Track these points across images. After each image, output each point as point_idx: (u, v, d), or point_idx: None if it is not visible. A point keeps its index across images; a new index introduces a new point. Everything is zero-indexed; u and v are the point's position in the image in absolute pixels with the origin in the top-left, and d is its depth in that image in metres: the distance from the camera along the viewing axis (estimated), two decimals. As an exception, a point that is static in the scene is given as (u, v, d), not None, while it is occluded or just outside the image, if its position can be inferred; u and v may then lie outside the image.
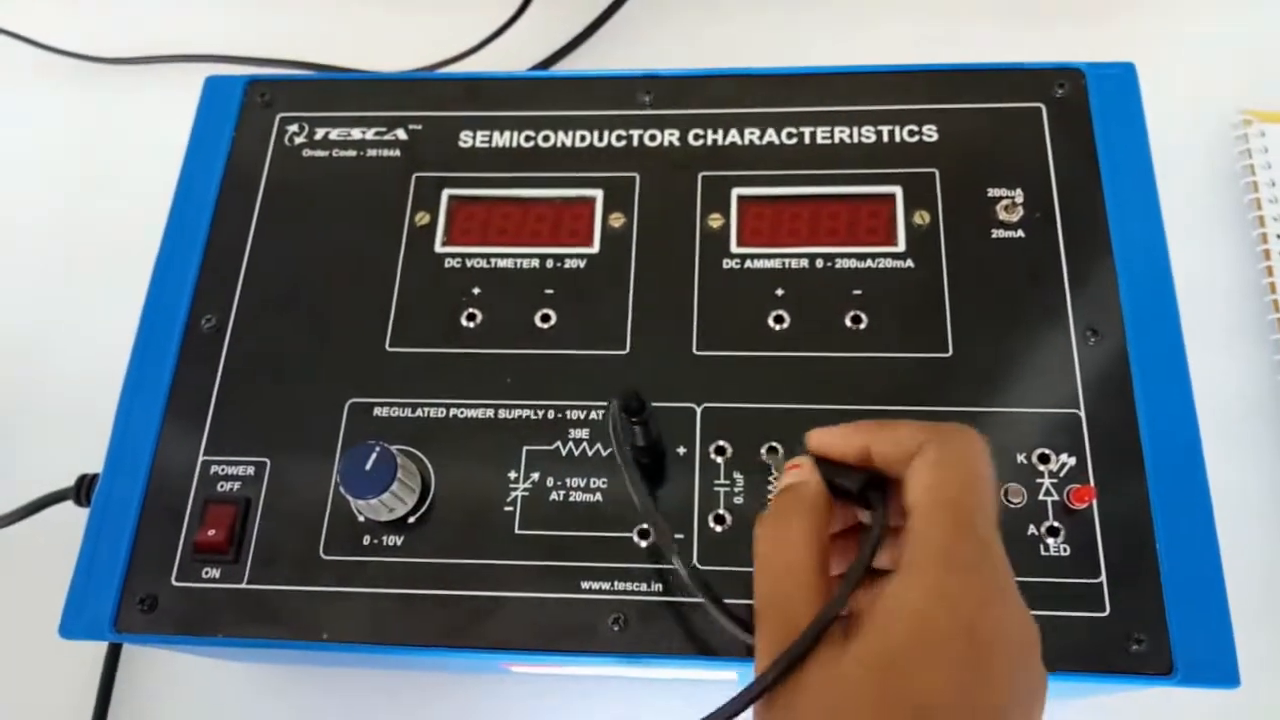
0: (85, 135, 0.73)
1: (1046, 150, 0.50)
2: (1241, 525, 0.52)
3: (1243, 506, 0.54)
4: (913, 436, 0.33)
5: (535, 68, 0.71)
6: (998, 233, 0.49)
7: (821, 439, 0.36)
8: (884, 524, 0.33)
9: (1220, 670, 0.40)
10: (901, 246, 0.49)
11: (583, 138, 0.53)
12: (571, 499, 0.45)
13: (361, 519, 0.45)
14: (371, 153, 0.53)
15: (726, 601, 0.39)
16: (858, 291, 0.48)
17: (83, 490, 0.51)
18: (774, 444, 0.45)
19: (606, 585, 0.43)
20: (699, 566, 0.43)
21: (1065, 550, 0.42)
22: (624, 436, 0.41)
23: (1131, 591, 0.41)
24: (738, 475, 0.45)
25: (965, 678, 0.29)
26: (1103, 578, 0.42)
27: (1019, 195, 0.49)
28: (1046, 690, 0.31)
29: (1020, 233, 0.48)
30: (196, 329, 0.50)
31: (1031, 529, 0.43)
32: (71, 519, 0.48)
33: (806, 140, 0.51)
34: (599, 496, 0.45)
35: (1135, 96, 0.51)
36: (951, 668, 0.29)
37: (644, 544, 0.44)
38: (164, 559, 0.45)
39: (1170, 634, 0.40)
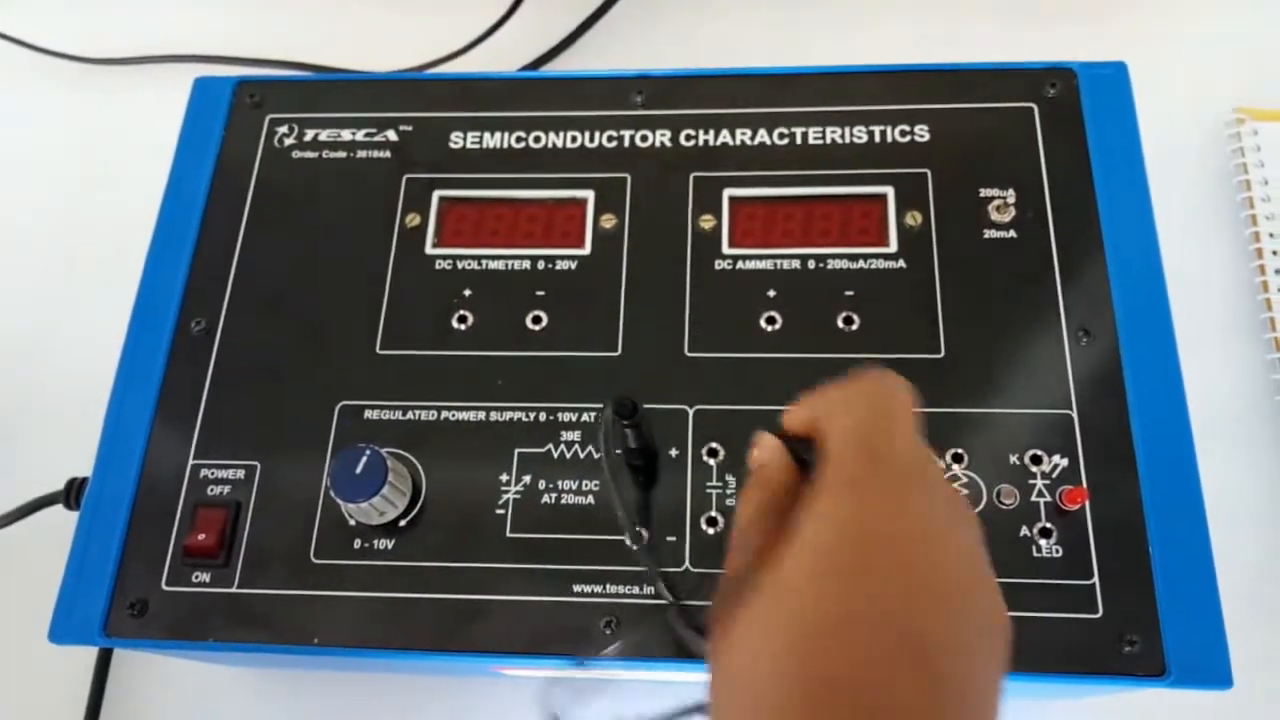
0: (77, 136, 0.73)
1: (1039, 150, 0.50)
2: (1234, 526, 0.52)
3: (1235, 507, 0.54)
4: (835, 393, 0.34)
5: (526, 68, 0.71)
6: (990, 233, 0.48)
7: (784, 418, 0.36)
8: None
9: (1213, 671, 0.40)
10: (893, 247, 0.48)
11: (574, 138, 0.53)
12: (563, 501, 0.45)
13: (352, 522, 0.45)
14: (361, 154, 0.53)
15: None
16: (850, 292, 0.48)
17: (72, 494, 0.50)
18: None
19: (598, 588, 0.43)
20: (692, 569, 0.43)
21: (1058, 551, 0.42)
22: (612, 444, 0.41)
23: (1124, 593, 0.41)
24: (730, 477, 0.45)
25: (865, 605, 0.28)
26: (1095, 579, 0.42)
27: (1011, 195, 0.49)
28: (1004, 631, 0.29)
29: (1012, 233, 0.48)
30: (186, 331, 0.49)
31: (1024, 530, 0.43)
32: (64, 522, 0.48)
33: (798, 141, 0.51)
34: (591, 499, 0.45)
35: (1127, 96, 0.51)
36: (844, 593, 0.28)
37: (636, 547, 0.44)
38: (154, 563, 0.45)
39: (1163, 635, 0.40)
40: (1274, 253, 0.59)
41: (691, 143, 0.52)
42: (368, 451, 0.42)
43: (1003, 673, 0.29)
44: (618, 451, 0.44)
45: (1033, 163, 0.50)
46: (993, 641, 0.29)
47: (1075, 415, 0.44)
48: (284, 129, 0.54)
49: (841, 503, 0.30)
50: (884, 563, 0.28)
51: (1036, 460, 0.44)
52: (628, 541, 0.42)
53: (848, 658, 0.27)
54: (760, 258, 0.49)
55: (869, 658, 0.27)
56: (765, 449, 0.36)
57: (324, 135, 0.54)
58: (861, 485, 0.30)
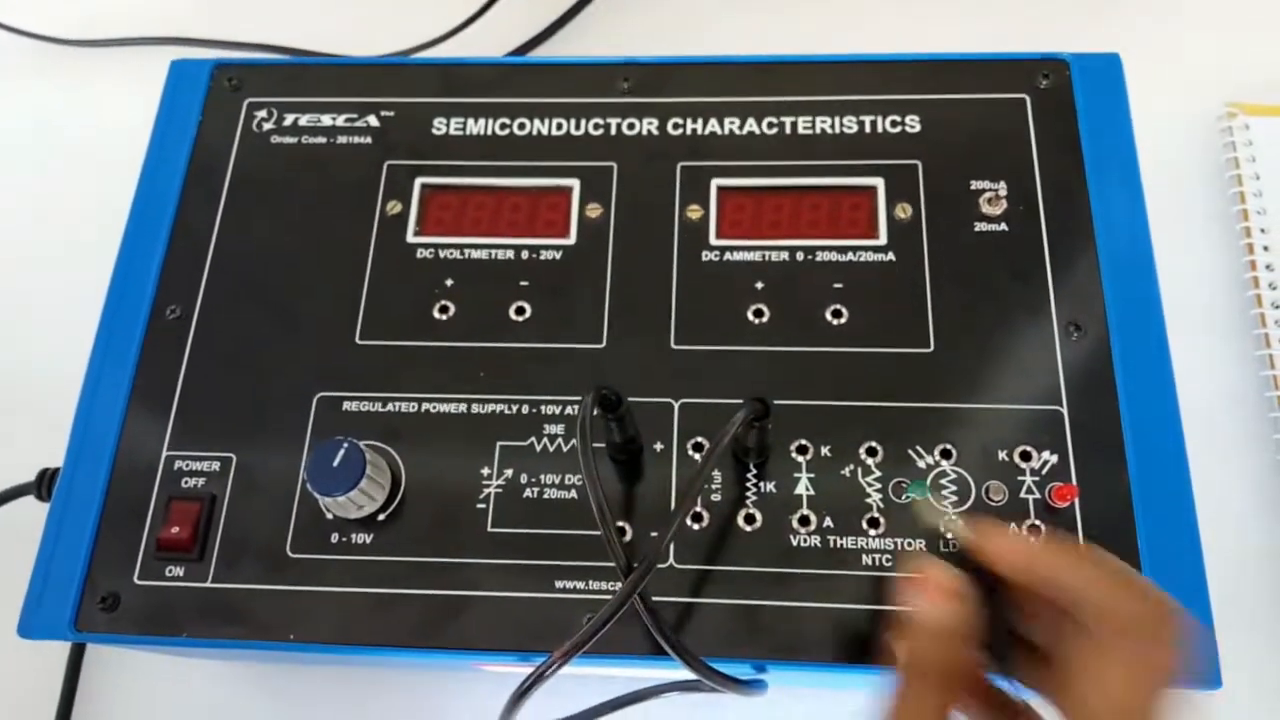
0: (50, 119, 0.72)
1: (1030, 142, 0.49)
2: (1224, 524, 0.51)
3: (1226, 504, 0.53)
4: (1124, 604, 0.26)
5: (511, 54, 0.70)
6: (980, 226, 0.48)
7: (999, 546, 0.28)
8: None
9: (1202, 672, 0.39)
10: (883, 239, 0.48)
11: (559, 126, 0.52)
12: (546, 496, 0.44)
13: (330, 516, 0.44)
14: (342, 139, 0.52)
15: (704, 599, 0.38)
16: (838, 285, 0.47)
17: (44, 485, 0.49)
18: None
19: (581, 584, 0.42)
20: (677, 566, 0.42)
21: (1046, 549, 0.42)
22: (590, 435, 0.39)
23: (1113, 591, 0.41)
24: (716, 472, 0.44)
25: None
26: (1084, 577, 0.41)
27: (1002, 188, 0.48)
28: None
29: (1003, 226, 0.48)
30: (161, 320, 0.48)
31: (1013, 528, 0.42)
32: (37, 514, 0.47)
33: (788, 130, 0.51)
34: (574, 493, 0.44)
35: (1120, 88, 0.50)
36: None
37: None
38: (126, 557, 0.44)
39: (1151, 635, 0.40)
40: (1265, 248, 0.59)
41: (679, 131, 0.51)
42: (345, 444, 0.41)
43: None
44: (600, 445, 0.43)
45: (1024, 155, 0.49)
46: None
47: (1065, 411, 0.44)
48: (262, 113, 0.53)
49: None
50: None
51: (1026, 457, 0.43)
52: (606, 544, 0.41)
53: None
54: (748, 249, 0.48)
55: None
56: (954, 600, 0.27)
57: (303, 120, 0.53)
58: None
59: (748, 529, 0.43)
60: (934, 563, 0.29)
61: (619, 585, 0.37)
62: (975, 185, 0.49)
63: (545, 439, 0.45)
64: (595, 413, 0.40)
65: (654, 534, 0.43)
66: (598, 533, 0.42)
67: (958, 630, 0.27)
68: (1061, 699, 0.26)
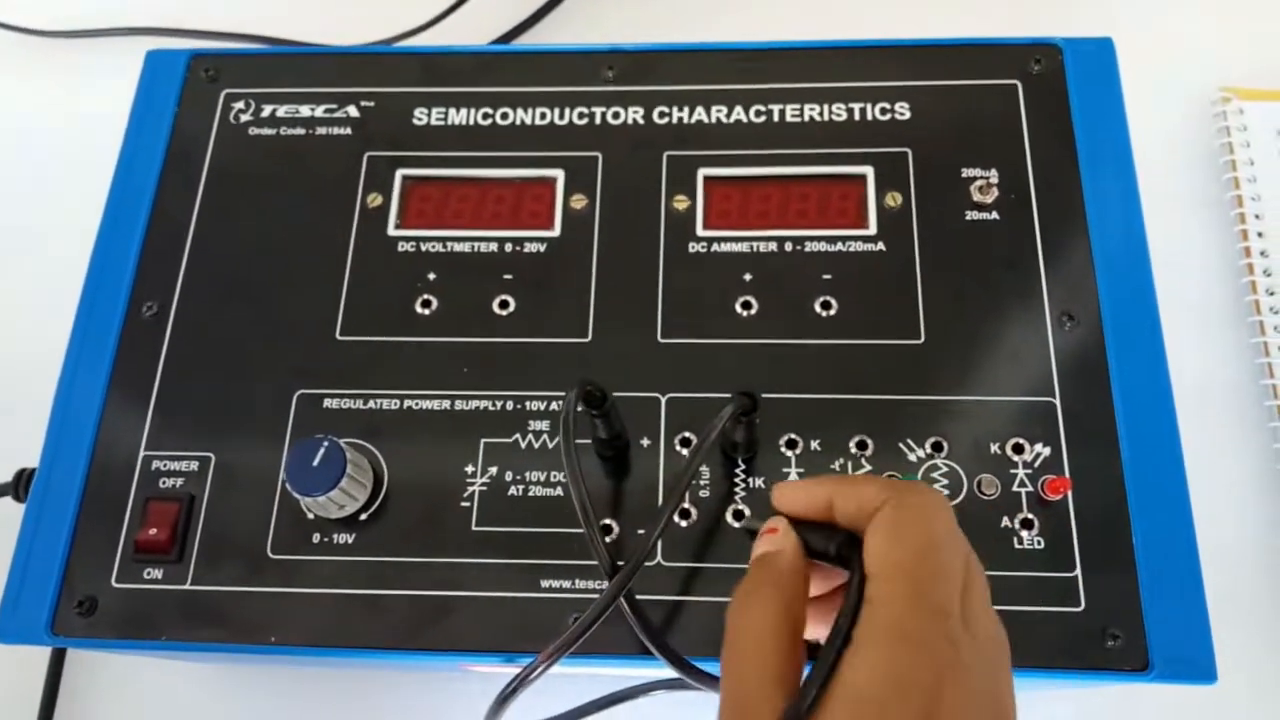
0: (23, 111, 0.70)
1: (1022, 128, 0.48)
2: (1219, 515, 0.51)
3: (1220, 496, 0.53)
4: (874, 495, 0.31)
5: (494, 43, 0.69)
6: (972, 215, 0.47)
7: (786, 495, 0.34)
8: (860, 590, 0.30)
9: (1197, 666, 0.39)
10: (873, 229, 0.47)
11: (543, 115, 0.51)
12: (531, 493, 0.43)
13: (311, 516, 0.43)
14: (321, 131, 0.51)
15: (693, 597, 0.37)
16: (827, 276, 0.46)
17: (21, 485, 0.48)
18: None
19: (567, 583, 0.42)
20: (665, 564, 0.42)
21: (1039, 544, 0.41)
22: (573, 430, 0.38)
23: (1107, 586, 0.40)
24: (703, 468, 0.43)
25: None
26: (1078, 571, 0.40)
27: (994, 175, 0.48)
28: None
29: (995, 214, 0.47)
30: (137, 316, 0.47)
31: (1005, 522, 0.41)
32: (14, 514, 0.46)
33: (775, 118, 0.50)
34: (559, 491, 0.43)
35: (1113, 72, 0.49)
36: None
37: (607, 539, 0.42)
38: (103, 559, 0.43)
39: (1146, 629, 0.39)
40: (1259, 234, 0.58)
41: (665, 120, 0.50)
42: (325, 442, 0.41)
43: None
44: (587, 441, 0.43)
45: (1016, 141, 0.48)
46: None
47: (1058, 403, 0.43)
48: (240, 104, 0.52)
49: (896, 658, 0.27)
50: None
51: (1018, 449, 0.43)
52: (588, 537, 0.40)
53: None
54: (736, 240, 0.47)
55: None
56: (780, 537, 0.33)
57: (282, 111, 0.52)
58: (921, 645, 0.28)
59: (737, 526, 0.42)
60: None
61: (605, 584, 0.36)
62: (966, 173, 0.48)
63: (530, 435, 0.44)
64: (580, 409, 0.39)
65: (640, 531, 0.42)
66: (584, 531, 0.41)
67: (792, 555, 0.32)
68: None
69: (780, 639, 0.30)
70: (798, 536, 0.33)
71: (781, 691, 0.28)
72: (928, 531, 0.30)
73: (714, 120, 0.50)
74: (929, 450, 0.43)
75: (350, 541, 0.43)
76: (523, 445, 0.44)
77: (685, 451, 0.43)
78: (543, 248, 0.48)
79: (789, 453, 0.43)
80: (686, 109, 0.50)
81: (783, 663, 0.29)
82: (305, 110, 0.51)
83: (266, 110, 0.52)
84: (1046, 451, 0.42)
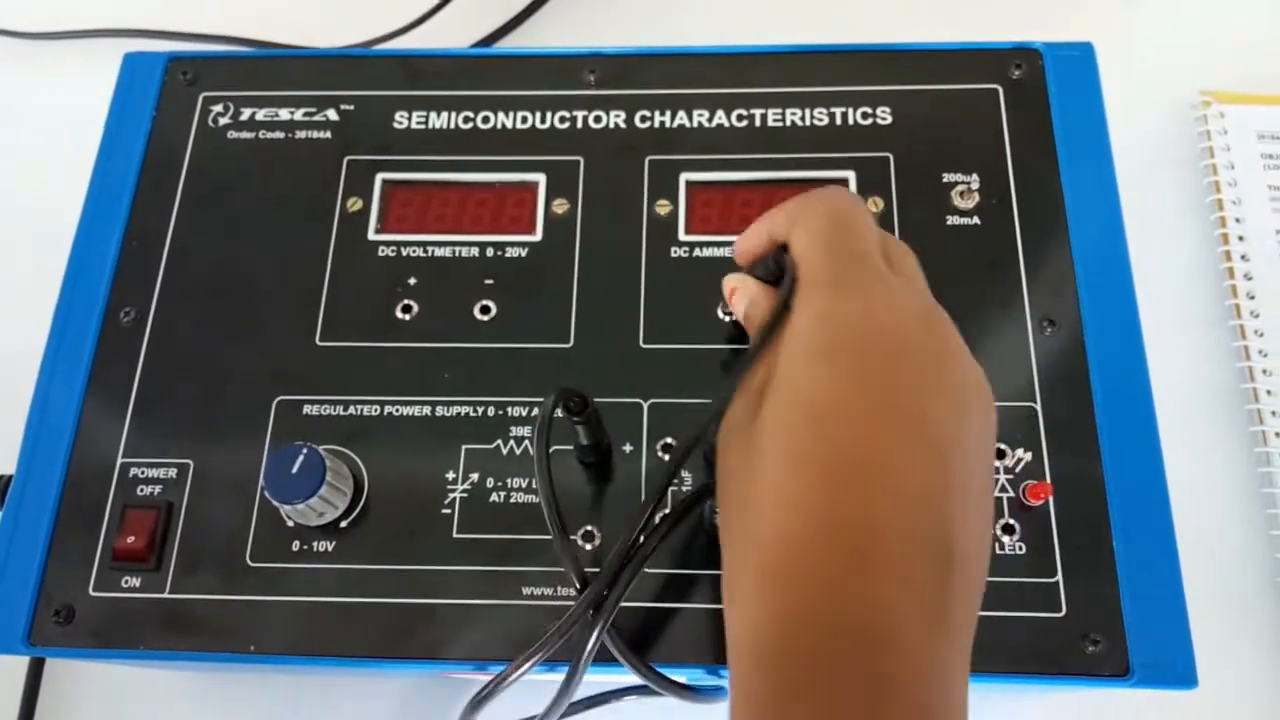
0: (5, 114, 0.69)
1: (1003, 134, 0.49)
2: (1200, 520, 0.51)
3: (1201, 501, 0.53)
4: (791, 205, 0.36)
5: (475, 45, 0.68)
6: (953, 220, 0.47)
7: (740, 246, 0.39)
8: (793, 283, 0.34)
9: (1177, 671, 0.39)
10: (855, 234, 0.47)
11: (524, 119, 0.50)
12: (513, 500, 0.43)
13: (290, 524, 0.43)
14: (300, 134, 0.51)
15: (673, 604, 0.38)
16: (810, 281, 0.46)
17: (-3, 492, 0.48)
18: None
19: (549, 590, 0.41)
20: (644, 570, 0.41)
21: (1021, 549, 0.41)
22: (547, 436, 0.38)
23: (1088, 591, 0.40)
24: (686, 474, 0.43)
25: (862, 382, 0.30)
26: (1059, 577, 0.41)
27: (975, 181, 0.48)
28: (987, 392, 0.33)
29: (976, 219, 0.47)
30: (115, 322, 0.47)
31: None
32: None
33: (758, 123, 0.50)
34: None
35: (1094, 77, 0.49)
36: (846, 375, 0.30)
37: (589, 547, 0.42)
38: (81, 567, 0.43)
39: (1127, 635, 0.39)
40: (1240, 237, 0.58)
41: (647, 124, 0.50)
42: (304, 449, 0.40)
43: (993, 438, 0.33)
44: (569, 447, 0.42)
45: (997, 147, 0.48)
46: (980, 404, 0.32)
47: (1039, 408, 0.43)
48: (218, 107, 0.52)
49: (822, 298, 0.32)
50: (870, 346, 0.31)
51: (1000, 454, 0.43)
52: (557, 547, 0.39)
53: (851, 433, 0.30)
54: (718, 244, 0.47)
55: (870, 431, 0.30)
56: (746, 293, 0.38)
57: (261, 114, 0.51)
58: (840, 280, 0.33)
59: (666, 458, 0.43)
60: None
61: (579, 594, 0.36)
62: (947, 178, 0.48)
63: (512, 441, 0.44)
64: (559, 415, 0.39)
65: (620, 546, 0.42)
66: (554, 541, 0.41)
67: (766, 297, 0.38)
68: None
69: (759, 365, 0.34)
70: (755, 279, 0.38)
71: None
72: (829, 204, 0.35)
73: (696, 124, 0.50)
74: (911, 455, 0.43)
75: (330, 549, 0.42)
76: (504, 452, 0.44)
77: (668, 457, 0.43)
78: (524, 252, 0.48)
79: (771, 458, 0.43)
80: (668, 113, 0.50)
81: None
82: (284, 113, 0.51)
83: (245, 113, 0.51)
84: (1028, 457, 0.43)
